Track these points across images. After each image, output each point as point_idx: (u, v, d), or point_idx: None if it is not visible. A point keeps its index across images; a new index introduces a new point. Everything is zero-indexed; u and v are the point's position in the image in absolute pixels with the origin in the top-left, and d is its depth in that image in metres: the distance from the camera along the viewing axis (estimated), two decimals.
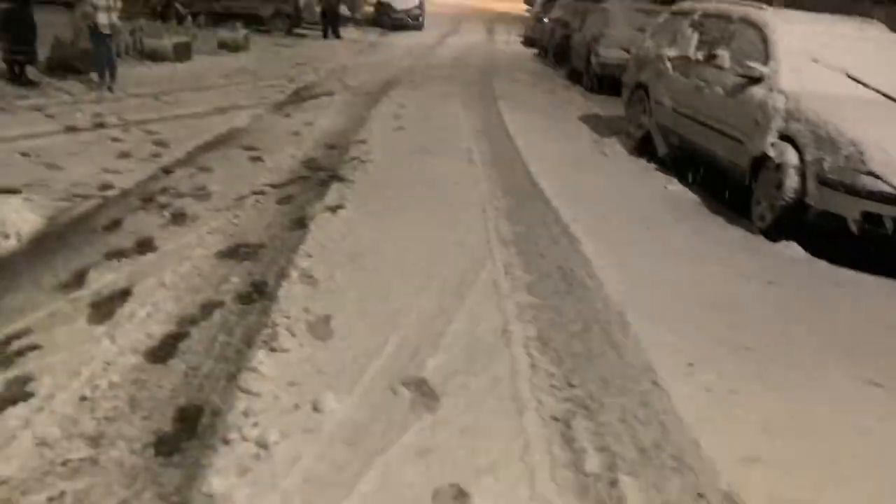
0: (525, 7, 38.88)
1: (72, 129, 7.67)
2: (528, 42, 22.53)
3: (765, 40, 6.47)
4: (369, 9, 26.02)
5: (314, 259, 4.55)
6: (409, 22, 25.05)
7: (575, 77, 14.57)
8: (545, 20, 19.63)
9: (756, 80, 6.23)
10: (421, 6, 25.99)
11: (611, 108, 11.24)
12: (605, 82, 12.69)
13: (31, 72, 9.83)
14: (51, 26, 11.20)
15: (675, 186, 7.05)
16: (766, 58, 6.32)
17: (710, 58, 7.10)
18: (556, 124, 9.99)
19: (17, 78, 9.60)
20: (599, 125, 9.98)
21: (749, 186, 6.09)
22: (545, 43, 19.15)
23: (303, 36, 19.79)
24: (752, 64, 6.29)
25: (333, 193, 6.06)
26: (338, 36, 20.18)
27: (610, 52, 12.62)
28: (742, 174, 6.20)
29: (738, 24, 7.05)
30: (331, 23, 20.27)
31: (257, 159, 7.07)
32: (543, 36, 19.63)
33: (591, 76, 13.32)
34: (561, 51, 16.69)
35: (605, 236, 5.30)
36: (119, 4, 10.05)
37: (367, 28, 23.86)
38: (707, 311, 4.18)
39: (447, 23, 29.48)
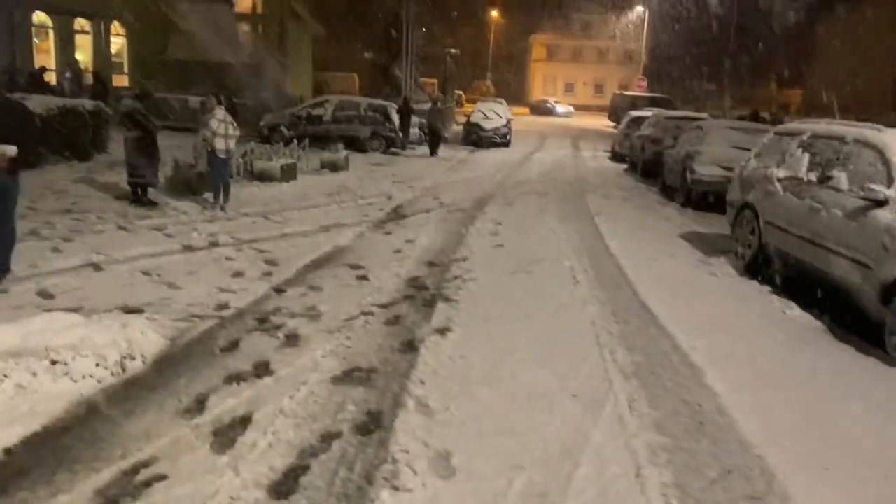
0: (610, 123, 39.61)
1: (189, 248, 8.05)
2: (616, 157, 22.73)
3: (886, 162, 6.24)
4: (458, 127, 27.04)
5: (427, 387, 4.47)
6: (497, 139, 25.78)
7: (668, 193, 14.47)
8: (634, 136, 19.82)
9: (880, 202, 5.96)
10: (508, 124, 26.80)
11: (711, 225, 11.02)
12: (702, 199, 12.52)
13: (152, 193, 10.52)
14: (172, 150, 12.11)
15: (793, 311, 6.69)
16: (889, 180, 6.07)
17: (825, 179, 6.89)
18: (657, 241, 9.82)
19: (140, 199, 10.28)
20: (703, 243, 9.74)
21: (880, 313, 5.70)
22: (635, 158, 19.25)
23: (397, 154, 20.61)
24: (874, 187, 6.05)
25: (440, 315, 6.04)
26: (435, 153, 21.10)
27: (706, 170, 12.52)
28: (871, 300, 5.83)
29: (853, 146, 6.85)
30: (435, 141, 21.30)
31: (363, 278, 7.19)
32: (633, 152, 19.76)
33: (686, 193, 13.18)
34: (652, 167, 16.70)
35: (727, 366, 5.01)
36: (237, 132, 10.74)
37: (456, 146, 24.70)
38: (860, 460, 3.81)
39: (533, 139, 30.24)
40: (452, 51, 47.22)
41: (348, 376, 4.64)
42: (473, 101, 40.32)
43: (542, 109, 54.83)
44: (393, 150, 20.71)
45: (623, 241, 9.53)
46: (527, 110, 55.49)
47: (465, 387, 4.49)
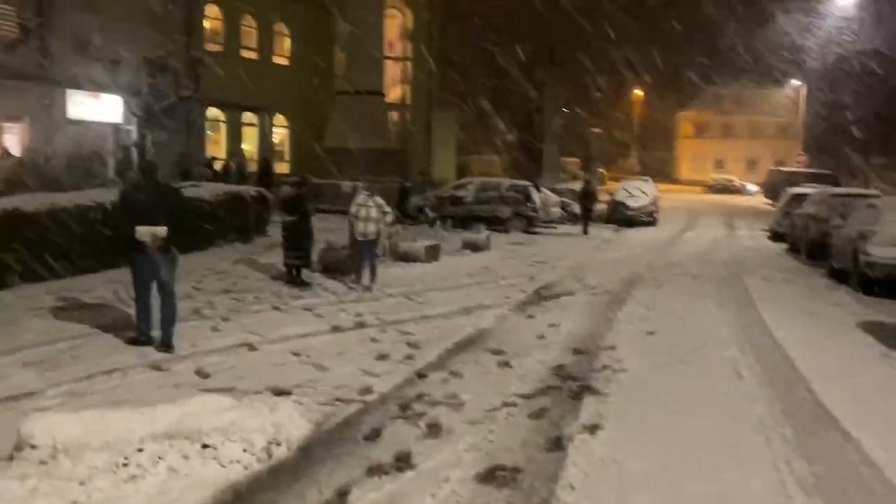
0: (767, 200, 37.58)
1: (337, 329, 8.20)
2: (776, 237, 21.32)
3: None
4: (602, 206, 26.58)
5: (578, 492, 4.12)
6: (643, 218, 25.08)
7: (838, 276, 13.24)
8: (795, 214, 18.54)
9: None
10: (655, 202, 26.06)
11: (891, 313, 9.88)
12: (879, 283, 11.34)
13: (305, 274, 10.96)
14: (325, 232, 12.65)
15: None
16: None
17: None
18: (830, 331, 8.90)
19: (294, 280, 10.73)
20: (884, 334, 8.71)
21: None
22: (797, 239, 17.92)
23: (538, 234, 20.49)
24: None
25: (588, 409, 5.67)
26: (586, 232, 20.97)
27: (883, 251, 11.35)
28: None
29: None
30: (587, 219, 21.13)
31: (505, 364, 6.96)
32: (794, 231, 18.43)
33: (860, 277, 11.99)
34: (818, 248, 15.43)
35: None
36: (383, 215, 11.02)
37: (600, 225, 24.24)
38: None
39: (682, 218, 29.14)
40: (595, 130, 47.21)
41: (492, 475, 4.37)
42: (617, 180, 39.80)
43: (730, 189, 51.70)
44: (534, 229, 20.62)
45: (790, 329, 8.71)
46: (701, 188, 52.82)
47: (619, 495, 4.10)
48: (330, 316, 8.86)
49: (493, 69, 40.41)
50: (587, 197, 21.77)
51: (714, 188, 52.31)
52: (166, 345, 6.98)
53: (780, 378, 6.68)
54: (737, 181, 53.44)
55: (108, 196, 11.41)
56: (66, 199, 10.53)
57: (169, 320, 7.08)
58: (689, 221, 27.88)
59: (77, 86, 18.88)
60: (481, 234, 16.23)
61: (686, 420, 5.44)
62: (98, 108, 19.86)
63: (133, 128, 16.41)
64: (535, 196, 20.75)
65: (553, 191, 25.08)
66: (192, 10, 24.53)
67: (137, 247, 6.86)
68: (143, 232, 6.80)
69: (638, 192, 26.20)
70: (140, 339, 7.11)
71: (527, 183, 21.71)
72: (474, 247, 15.58)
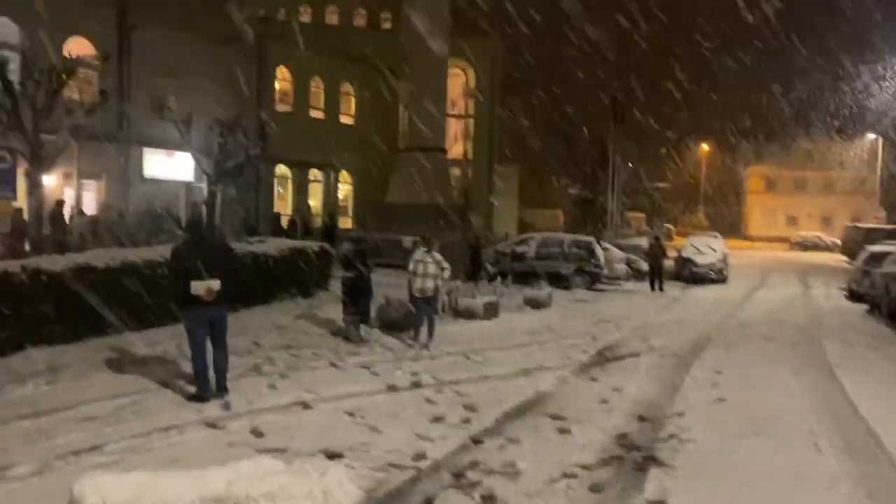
0: (842, 257, 36.10)
1: (392, 388, 8.07)
2: (854, 297, 20.30)
3: None
4: (669, 262, 25.93)
5: None
6: (712, 275, 24.32)
7: None
8: (875, 273, 17.63)
9: None
10: (724, 259, 25.29)
11: None
12: None
13: (363, 330, 10.93)
14: (384, 288, 12.64)
15: None
16: None
17: None
18: None
19: (352, 336, 10.70)
20: None
21: None
22: (878, 299, 16.99)
23: (602, 291, 20.07)
24: None
25: (653, 483, 5.35)
26: (658, 289, 20.45)
27: None
28: None
29: None
30: (657, 276, 20.67)
31: (565, 431, 6.67)
32: (875, 291, 17.49)
33: None
34: None
35: None
36: (441, 271, 10.94)
37: (667, 282, 23.60)
38: None
39: (753, 275, 28.16)
40: (660, 184, 46.56)
41: None
42: (684, 235, 38.96)
43: (818, 246, 49.08)
44: (598, 286, 20.22)
45: (874, 399, 8.12)
46: (786, 245, 50.76)
47: None
48: (386, 374, 8.75)
49: (555, 124, 40.62)
50: (656, 253, 21.27)
51: (800, 245, 49.90)
52: (222, 388, 7.26)
53: (863, 455, 6.18)
54: (825, 238, 50.64)
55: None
56: (135, 255, 10.83)
57: (222, 369, 7.36)
58: (760, 279, 26.91)
59: (152, 145, 19.81)
60: (543, 290, 15.98)
61: (759, 499, 5.05)
62: (171, 167, 20.77)
63: (203, 185, 16.97)
64: (599, 252, 20.40)
65: (618, 246, 24.67)
66: (263, 73, 25.61)
67: (191, 301, 7.02)
68: (198, 286, 6.95)
69: (706, 248, 25.51)
70: (198, 395, 7.16)
71: (590, 238, 21.40)
72: (535, 304, 15.32)
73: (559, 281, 19.21)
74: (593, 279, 20.22)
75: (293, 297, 14.48)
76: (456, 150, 34.57)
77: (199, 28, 24.46)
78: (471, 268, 17.75)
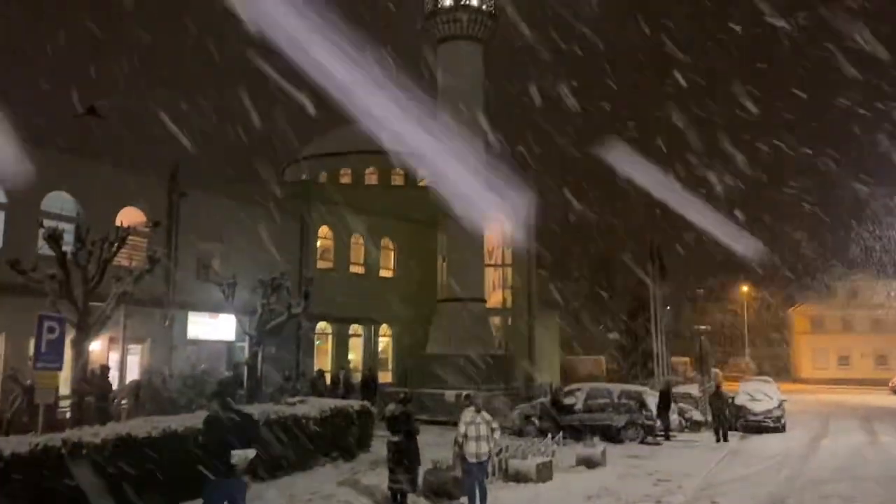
0: None
1: None
2: None
3: None
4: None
5: None
6: (770, 423, 23.00)
7: None
8: None
9: None
10: (780, 406, 24.02)
11: None
12: None
13: (410, 499, 10.29)
14: (429, 448, 12.03)
15: None
16: None
17: None
18: None
19: None
20: None
21: None
22: None
23: (656, 444, 19.01)
24: None
25: None
26: (724, 439, 19.37)
27: None
28: None
29: None
30: (722, 425, 19.71)
31: None
32: None
33: None
34: None
35: None
36: (492, 432, 10.41)
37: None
38: None
39: (813, 421, 26.60)
40: (703, 327, 45.58)
41: None
42: (732, 380, 37.53)
43: None
44: (652, 439, 19.19)
45: None
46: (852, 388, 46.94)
47: None
48: None
49: (594, 269, 40.72)
50: (717, 401, 20.29)
51: None
52: None
53: None
54: None
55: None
56: (177, 422, 10.58)
57: None
58: (820, 426, 25.37)
59: (197, 307, 20.09)
60: (596, 448, 15.15)
61: None
62: (214, 328, 20.94)
63: (245, 345, 16.97)
64: (651, 402, 19.56)
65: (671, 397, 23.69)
66: (305, 232, 26.38)
67: (216, 471, 6.94)
68: (238, 456, 6.94)
69: (761, 394, 24.33)
70: None
71: (640, 388, 20.63)
72: (589, 462, 14.48)
73: (611, 435, 18.31)
74: (647, 432, 19.24)
75: (334, 460, 13.97)
76: (495, 298, 34.54)
77: (244, 192, 25.61)
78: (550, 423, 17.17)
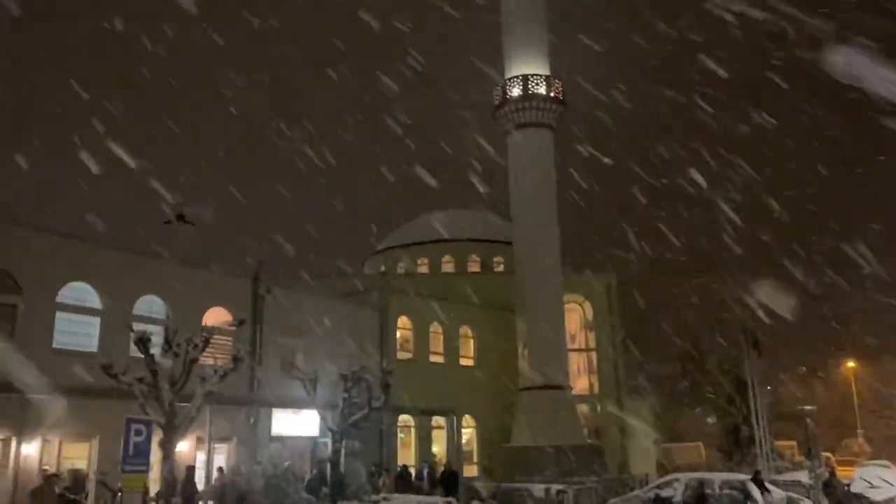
0: None
1: None
2: None
3: None
4: None
5: None
6: None
7: None
8: None
9: None
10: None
11: None
12: None
13: None
14: None
15: None
16: None
17: None
18: None
19: None
20: None
21: None
22: None
23: None
24: None
25: None
26: None
27: None
28: None
29: None
30: None
31: None
32: None
33: None
34: None
35: None
36: None
37: None
38: None
39: None
40: (808, 407, 42.65)
41: None
42: (845, 464, 34.59)
43: None
44: None
45: None
46: None
47: None
48: None
49: (683, 350, 39.09)
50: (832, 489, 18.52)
51: None
52: None
53: None
54: None
55: None
56: None
57: None
58: None
59: (280, 404, 20.22)
60: None
61: None
62: (298, 424, 20.96)
63: (328, 440, 16.82)
64: (757, 494, 18.08)
65: (773, 483, 21.96)
66: (385, 323, 26.53)
67: None
68: None
69: (880, 481, 22.26)
70: None
71: (744, 477, 19.16)
72: None
73: None
74: None
75: None
76: (580, 385, 33.48)
77: (325, 287, 26.15)
78: None
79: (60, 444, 16.29)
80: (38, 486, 13.59)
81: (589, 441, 28.48)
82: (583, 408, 32.05)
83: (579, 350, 34.26)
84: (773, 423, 40.93)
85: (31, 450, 15.55)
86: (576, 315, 34.36)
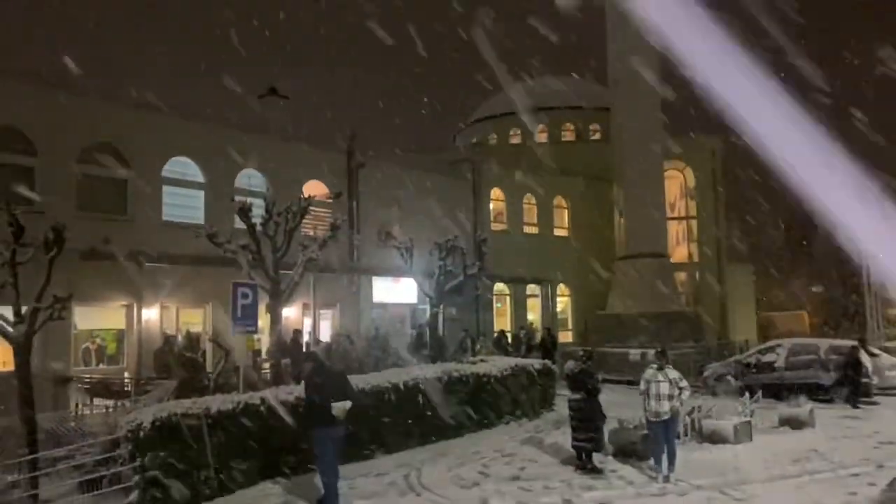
0: None
1: None
2: None
3: None
4: None
5: None
6: None
7: None
8: None
9: None
10: None
11: None
12: None
13: (596, 458, 9.91)
14: (615, 407, 11.51)
15: None
16: None
17: None
18: None
19: (584, 465, 9.73)
20: None
21: None
22: None
23: (873, 405, 17.04)
24: None
25: None
26: None
27: None
28: None
29: None
30: None
31: None
32: None
33: None
34: None
35: None
36: (678, 390, 9.71)
37: None
38: None
39: None
40: None
41: None
42: None
43: None
44: (867, 399, 17.19)
45: None
46: None
47: None
48: None
49: (789, 215, 37.37)
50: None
51: None
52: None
53: None
54: None
55: (401, 376, 11.80)
56: (363, 381, 10.96)
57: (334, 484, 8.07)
58: None
59: (380, 273, 20.82)
60: (803, 407, 13.79)
61: None
62: (397, 292, 21.63)
63: (426, 307, 17.30)
64: (866, 358, 17.48)
65: (884, 350, 21.19)
66: (478, 195, 26.44)
67: (322, 421, 7.98)
68: (337, 407, 7.94)
69: None
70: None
71: (852, 342, 18.51)
72: (794, 423, 13.20)
73: (816, 394, 16.64)
74: (860, 391, 17.26)
75: (518, 418, 13.89)
76: (679, 253, 32.78)
77: (419, 159, 26.11)
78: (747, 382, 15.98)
79: (178, 309, 17.53)
80: (159, 346, 14.83)
81: (687, 309, 28.14)
82: (681, 276, 31.50)
83: (679, 218, 33.31)
84: (882, 292, 39.13)
85: (151, 315, 16.84)
86: (677, 182, 33.16)
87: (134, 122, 17.25)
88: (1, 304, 9.46)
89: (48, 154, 15.76)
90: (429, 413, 11.83)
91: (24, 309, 9.18)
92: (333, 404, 7.95)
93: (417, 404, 11.70)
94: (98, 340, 16.68)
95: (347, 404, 8.07)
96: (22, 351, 9.11)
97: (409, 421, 11.57)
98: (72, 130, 15.93)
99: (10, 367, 9.44)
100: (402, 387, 11.52)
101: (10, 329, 9.05)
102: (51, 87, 16.06)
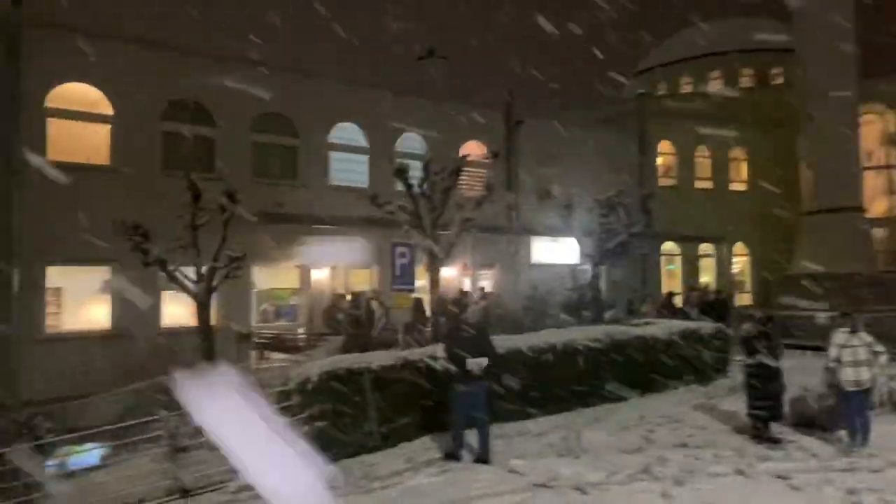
0: None
1: None
2: None
3: None
4: None
5: None
6: None
7: None
8: None
9: None
10: None
11: None
12: None
13: (774, 428, 9.09)
14: (797, 373, 10.49)
15: None
16: None
17: None
18: None
19: (760, 435, 8.96)
20: None
21: None
22: None
23: None
24: None
25: None
26: None
27: None
28: None
29: None
30: None
31: None
32: None
33: None
34: None
35: None
36: (877, 357, 8.64)
37: None
38: None
39: None
40: None
41: None
42: None
43: None
44: None
45: None
46: None
47: None
48: (811, 489, 6.95)
49: None
50: None
51: None
52: (483, 460, 8.12)
53: None
54: None
55: (561, 336, 11.47)
56: (521, 342, 10.80)
57: (484, 442, 8.26)
58: None
59: (538, 233, 20.47)
60: None
61: None
62: (556, 252, 21.17)
63: (588, 267, 16.74)
64: None
65: None
66: (644, 149, 25.15)
67: (458, 377, 8.12)
68: (472, 363, 8.00)
69: None
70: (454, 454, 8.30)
71: None
72: None
73: None
74: None
75: (688, 384, 13.09)
76: (878, 207, 29.36)
77: (578, 115, 25.22)
78: None
79: (346, 271, 18.29)
80: (328, 304, 15.56)
81: (885, 269, 25.21)
82: (879, 232, 28.24)
83: (878, 167, 29.79)
84: None
85: (321, 275, 17.70)
86: (874, 128, 29.59)
87: (302, 90, 17.99)
88: (184, 264, 10.28)
89: (226, 124, 16.82)
90: (589, 376, 11.43)
91: (203, 269, 9.87)
92: (468, 360, 8.03)
93: (576, 366, 11.33)
94: (276, 301, 17.86)
95: (484, 361, 8.11)
96: (203, 307, 9.83)
97: (569, 382, 11.23)
98: (245, 102, 16.85)
99: (196, 322, 10.28)
100: (559, 347, 11.20)
101: (191, 286, 9.78)
102: (225, 62, 16.98)
